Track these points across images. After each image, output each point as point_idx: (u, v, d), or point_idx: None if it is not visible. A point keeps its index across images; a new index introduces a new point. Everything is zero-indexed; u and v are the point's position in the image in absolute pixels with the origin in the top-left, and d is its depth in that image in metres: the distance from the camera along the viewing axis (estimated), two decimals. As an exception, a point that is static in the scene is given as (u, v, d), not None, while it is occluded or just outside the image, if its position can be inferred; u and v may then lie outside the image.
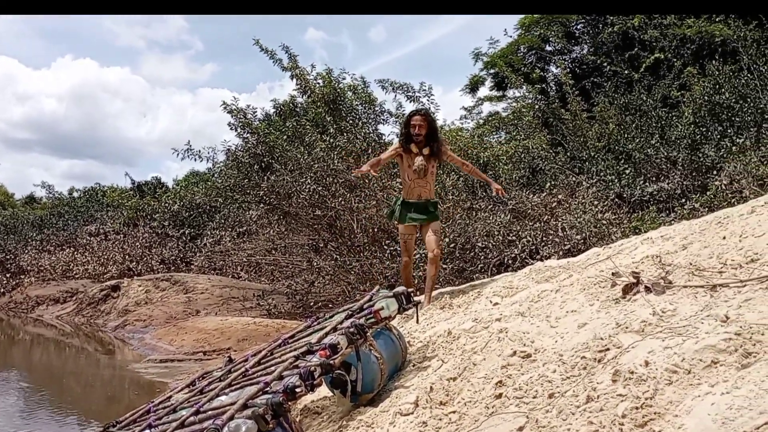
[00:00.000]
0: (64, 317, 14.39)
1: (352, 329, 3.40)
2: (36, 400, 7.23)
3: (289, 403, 2.89)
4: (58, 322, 13.98)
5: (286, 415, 2.82)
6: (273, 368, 3.24)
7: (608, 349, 2.74)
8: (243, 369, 3.50)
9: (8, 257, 18.80)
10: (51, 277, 17.24)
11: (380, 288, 4.14)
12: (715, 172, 8.95)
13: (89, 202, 22.99)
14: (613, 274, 3.57)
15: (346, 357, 3.38)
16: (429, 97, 11.95)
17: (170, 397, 3.81)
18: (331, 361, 3.15)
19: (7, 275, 18.08)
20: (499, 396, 2.87)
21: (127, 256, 16.97)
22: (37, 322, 14.36)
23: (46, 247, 19.31)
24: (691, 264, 3.34)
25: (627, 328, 2.85)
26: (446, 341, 3.98)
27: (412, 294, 3.99)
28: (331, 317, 4.01)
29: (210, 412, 2.92)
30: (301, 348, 3.37)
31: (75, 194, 25.83)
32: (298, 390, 2.92)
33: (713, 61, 10.87)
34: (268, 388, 2.93)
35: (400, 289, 3.95)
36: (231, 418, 2.65)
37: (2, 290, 17.63)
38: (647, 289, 3.15)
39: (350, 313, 3.78)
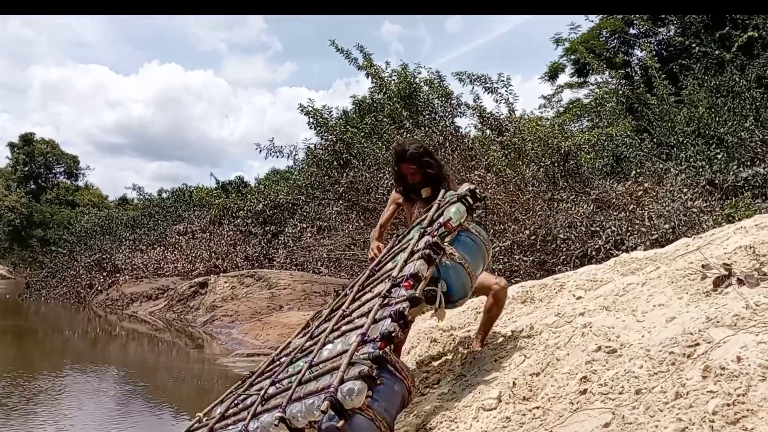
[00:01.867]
0: (156, 313, 15.09)
1: (427, 251, 3.40)
2: (133, 392, 7.63)
3: (389, 347, 3.03)
4: (151, 318, 14.68)
5: (388, 360, 2.95)
6: (366, 308, 3.36)
7: (698, 344, 2.63)
8: (342, 311, 3.62)
9: (104, 257, 19.84)
10: (144, 275, 18.11)
11: (445, 192, 3.94)
12: (816, 155, 8.44)
13: (177, 203, 23.98)
14: (703, 266, 3.42)
15: (429, 279, 3.40)
16: (507, 87, 11.80)
17: (289, 343, 4.00)
18: (417, 294, 3.19)
19: (104, 274, 19.11)
20: (584, 392, 2.81)
21: (213, 254, 17.60)
22: (131, 318, 15.13)
23: (139, 246, 20.28)
24: (788, 254, 3.17)
25: (718, 322, 2.73)
26: (528, 336, 3.92)
27: (477, 190, 3.76)
28: (405, 236, 4.01)
29: (321, 367, 3.12)
30: (386, 284, 3.43)
31: (164, 195, 27.03)
32: (393, 334, 3.00)
33: (812, 37, 10.22)
34: (367, 337, 3.04)
35: (464, 188, 3.73)
36: (341, 381, 2.80)
37: (99, 288, 18.65)
38: (740, 282, 3.00)
39: (423, 231, 3.71)
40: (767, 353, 2.29)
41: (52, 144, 44.44)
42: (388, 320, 3.06)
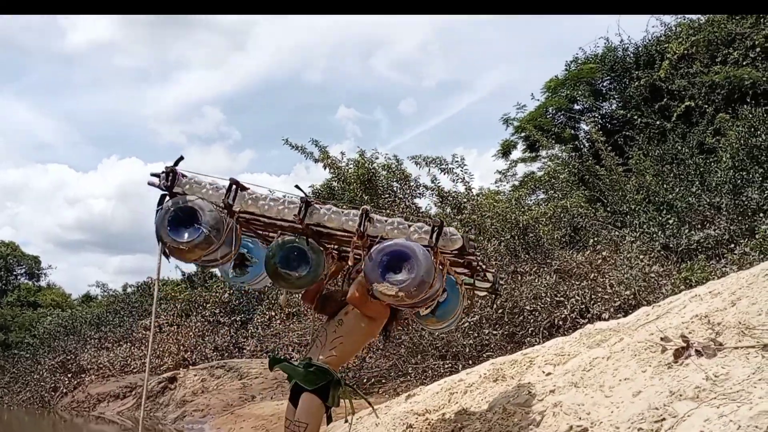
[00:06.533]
0: (124, 413, 14.57)
1: None
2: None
3: None
4: (119, 419, 14.16)
5: None
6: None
7: (664, 419, 2.74)
8: None
9: (69, 357, 19.20)
10: (110, 374, 17.53)
11: None
12: (761, 215, 8.83)
13: (143, 297, 23.49)
14: (662, 338, 3.56)
15: None
16: (462, 167, 12.20)
17: None
18: None
19: (69, 375, 18.45)
20: (560, 473, 2.87)
21: (181, 347, 17.19)
22: (98, 419, 14.58)
23: (104, 344, 19.70)
24: (740, 323, 3.33)
25: (681, 395, 2.85)
26: (502, 418, 3.98)
27: None
28: None
29: None
30: None
31: (129, 290, 26.44)
32: None
33: (745, 105, 10.87)
34: None
35: None
36: None
37: (65, 390, 17.98)
38: (698, 353, 3.15)
39: None
40: (729, 426, 2.41)
41: (12, 246, 43.46)
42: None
